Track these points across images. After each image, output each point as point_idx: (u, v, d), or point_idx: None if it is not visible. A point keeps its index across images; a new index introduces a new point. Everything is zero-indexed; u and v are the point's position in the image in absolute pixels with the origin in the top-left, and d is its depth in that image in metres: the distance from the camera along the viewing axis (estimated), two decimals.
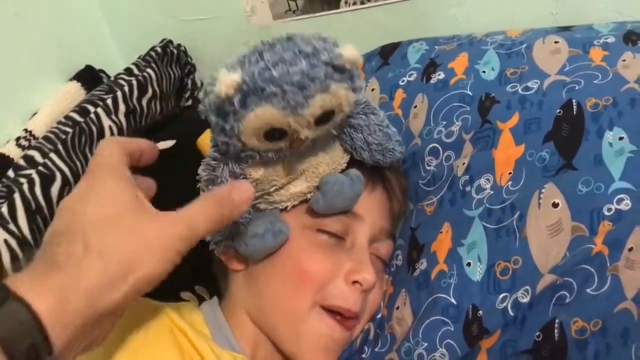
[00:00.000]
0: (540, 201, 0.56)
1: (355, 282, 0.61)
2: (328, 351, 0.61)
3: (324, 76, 0.50)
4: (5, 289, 0.38)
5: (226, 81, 0.48)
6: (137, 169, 0.50)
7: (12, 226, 0.74)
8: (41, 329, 0.37)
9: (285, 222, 0.62)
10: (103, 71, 1.01)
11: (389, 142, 0.64)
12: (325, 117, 0.53)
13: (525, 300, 0.53)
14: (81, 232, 0.41)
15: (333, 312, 0.61)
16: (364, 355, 0.63)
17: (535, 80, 0.65)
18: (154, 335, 0.56)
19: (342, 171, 0.64)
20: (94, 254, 0.40)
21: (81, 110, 0.87)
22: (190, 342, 0.57)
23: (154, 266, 0.42)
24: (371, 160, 0.65)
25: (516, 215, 0.57)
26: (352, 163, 0.65)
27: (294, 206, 0.63)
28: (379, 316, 0.65)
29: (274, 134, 0.52)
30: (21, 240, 0.74)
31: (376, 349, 0.62)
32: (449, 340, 0.56)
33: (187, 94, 1.04)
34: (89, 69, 0.98)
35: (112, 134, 0.88)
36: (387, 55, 0.80)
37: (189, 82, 1.04)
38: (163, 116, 0.94)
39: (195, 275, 0.72)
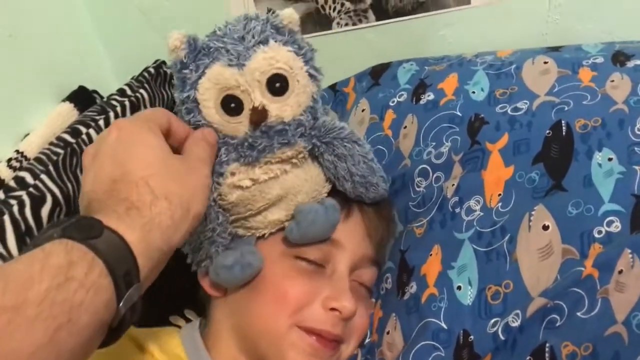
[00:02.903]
0: (531, 224, 0.56)
1: (333, 309, 0.60)
2: None
3: (261, 30, 0.56)
4: (99, 222, 0.42)
5: (173, 35, 0.56)
6: None
7: (0, 249, 0.73)
8: (133, 258, 0.42)
9: (258, 252, 0.61)
10: (97, 92, 1.01)
11: (372, 175, 0.64)
12: (277, 82, 0.56)
13: (516, 324, 0.52)
14: (143, 180, 0.46)
15: (313, 333, 0.60)
16: None
17: (525, 101, 0.65)
18: None
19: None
20: (162, 199, 0.46)
21: (73, 131, 0.86)
22: None
23: (201, 204, 0.49)
24: (353, 193, 0.64)
25: (506, 238, 0.57)
26: (334, 193, 0.64)
27: (271, 233, 0.62)
28: (367, 341, 0.64)
29: (229, 102, 0.56)
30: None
31: None
32: None
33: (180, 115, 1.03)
34: (82, 90, 0.98)
35: None
36: (377, 75, 0.80)
37: None
38: None
39: (185, 299, 0.71)
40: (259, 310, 0.61)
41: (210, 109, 0.56)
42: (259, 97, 0.55)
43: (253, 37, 0.55)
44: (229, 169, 0.58)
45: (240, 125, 0.57)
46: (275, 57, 0.55)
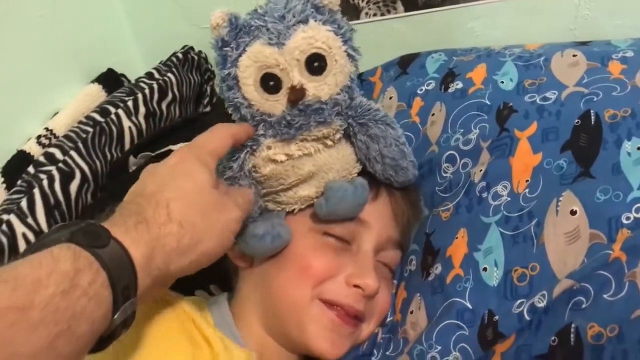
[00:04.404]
0: (558, 208, 0.57)
1: (356, 285, 0.61)
2: (334, 342, 0.61)
3: (302, 9, 0.57)
4: (107, 232, 0.43)
5: (216, 13, 0.57)
6: None
7: (30, 220, 0.75)
8: (134, 272, 0.43)
9: (288, 226, 0.62)
10: (124, 75, 1.03)
11: (403, 159, 0.64)
12: (315, 61, 0.57)
13: (542, 304, 0.53)
14: (166, 201, 0.48)
15: (334, 306, 0.61)
16: (373, 358, 0.63)
17: (554, 91, 0.65)
18: (163, 324, 0.56)
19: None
20: (175, 223, 0.47)
21: (102, 110, 0.88)
22: (198, 328, 0.57)
23: (215, 243, 0.50)
24: (383, 176, 0.65)
25: (533, 222, 0.57)
26: (364, 175, 0.65)
27: (300, 209, 0.63)
28: (389, 320, 0.65)
29: (267, 81, 0.57)
30: (38, 234, 0.75)
31: (387, 352, 0.62)
32: (463, 344, 0.56)
33: (206, 101, 1.05)
34: (110, 72, 1.00)
35: (131, 135, 0.89)
36: (405, 65, 0.81)
37: (208, 88, 1.06)
38: (182, 119, 0.95)
39: (211, 274, 0.72)
40: (283, 281, 0.62)
41: (250, 87, 0.57)
42: (297, 76, 0.56)
43: (293, 16, 0.56)
44: (265, 143, 0.59)
45: (278, 104, 0.58)
46: (314, 36, 0.56)
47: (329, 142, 0.61)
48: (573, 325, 0.51)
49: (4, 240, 0.71)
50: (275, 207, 0.64)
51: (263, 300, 0.64)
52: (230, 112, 0.60)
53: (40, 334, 0.36)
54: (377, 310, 0.65)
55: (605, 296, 0.50)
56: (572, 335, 0.50)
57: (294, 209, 0.63)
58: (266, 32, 0.56)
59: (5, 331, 0.34)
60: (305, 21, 0.57)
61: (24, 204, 0.75)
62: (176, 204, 0.48)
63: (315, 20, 0.57)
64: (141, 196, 0.48)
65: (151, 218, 0.46)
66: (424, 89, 0.75)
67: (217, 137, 0.56)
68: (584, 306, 0.51)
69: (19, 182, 0.78)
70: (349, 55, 0.59)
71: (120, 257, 0.42)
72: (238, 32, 0.57)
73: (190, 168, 0.51)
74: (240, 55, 0.57)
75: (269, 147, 0.60)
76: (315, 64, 0.57)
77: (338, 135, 0.62)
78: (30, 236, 0.74)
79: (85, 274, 0.39)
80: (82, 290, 0.38)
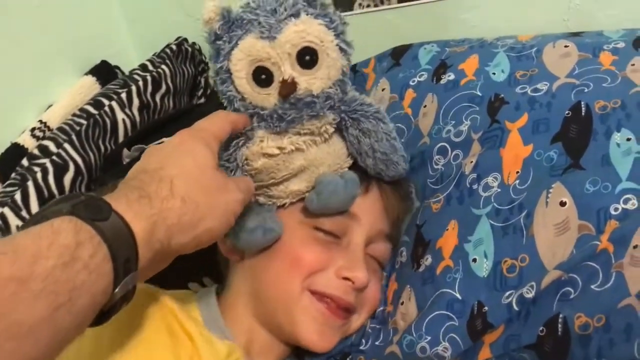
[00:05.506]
0: (548, 200, 0.57)
1: (346, 278, 0.62)
2: (323, 334, 0.62)
3: (293, 3, 0.57)
4: (108, 205, 0.42)
5: (208, 7, 0.57)
6: None
7: (24, 213, 0.75)
8: (135, 246, 0.43)
9: (279, 220, 0.63)
10: (118, 67, 1.03)
11: (394, 154, 0.65)
12: (307, 55, 0.57)
13: (530, 295, 0.53)
14: (169, 177, 0.48)
15: (325, 298, 0.62)
16: (362, 348, 0.64)
17: (545, 83, 0.65)
18: (144, 318, 0.56)
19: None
20: (178, 198, 0.47)
21: (96, 103, 0.88)
22: (180, 323, 0.57)
23: (217, 222, 0.50)
24: (374, 170, 0.65)
25: (523, 214, 0.58)
26: (355, 169, 0.65)
27: (292, 203, 0.64)
28: (379, 310, 0.66)
29: (259, 74, 0.57)
30: None
31: (376, 343, 0.63)
32: (452, 335, 0.56)
33: (200, 92, 1.05)
34: (104, 64, 1.00)
35: (125, 127, 0.89)
36: (398, 56, 0.81)
37: (202, 80, 1.06)
38: (176, 110, 0.95)
39: (204, 267, 0.73)
40: (274, 274, 0.63)
41: (242, 80, 0.57)
42: (288, 69, 0.57)
43: (285, 9, 0.57)
44: (258, 135, 0.60)
45: (270, 97, 0.58)
46: (306, 30, 0.56)
47: (322, 137, 0.61)
48: (561, 316, 0.51)
49: None
50: (267, 201, 0.64)
51: (254, 292, 0.64)
52: (225, 104, 0.60)
53: (40, 305, 0.36)
54: (367, 303, 0.65)
55: (592, 287, 0.51)
56: (559, 326, 0.51)
57: (285, 203, 0.64)
58: (258, 26, 0.56)
59: (5, 301, 0.34)
60: (297, 15, 0.57)
61: (17, 196, 0.75)
62: (179, 181, 0.48)
63: (307, 14, 0.57)
64: (144, 172, 0.48)
65: (154, 193, 0.46)
66: (416, 80, 0.75)
67: (217, 122, 0.56)
68: (571, 297, 0.51)
69: (12, 175, 0.79)
70: (341, 49, 0.59)
71: (121, 231, 0.42)
72: (231, 25, 0.57)
73: (193, 147, 0.51)
74: (232, 49, 0.57)
75: (261, 140, 0.60)
76: (307, 57, 0.57)
77: (331, 130, 0.62)
78: None
79: (86, 247, 0.39)
80: (82, 263, 0.38)
